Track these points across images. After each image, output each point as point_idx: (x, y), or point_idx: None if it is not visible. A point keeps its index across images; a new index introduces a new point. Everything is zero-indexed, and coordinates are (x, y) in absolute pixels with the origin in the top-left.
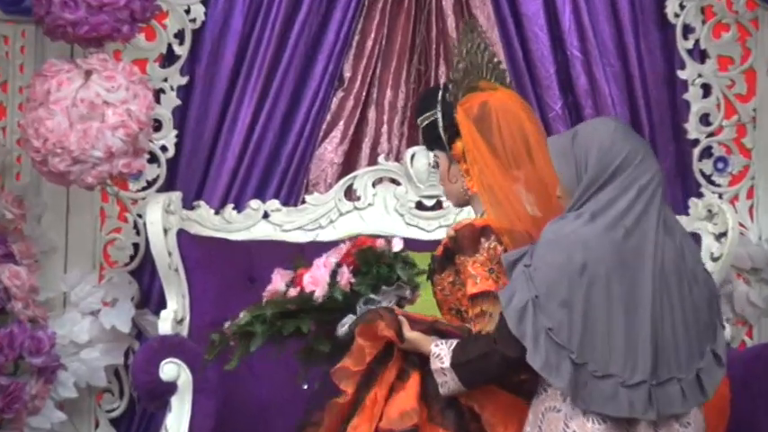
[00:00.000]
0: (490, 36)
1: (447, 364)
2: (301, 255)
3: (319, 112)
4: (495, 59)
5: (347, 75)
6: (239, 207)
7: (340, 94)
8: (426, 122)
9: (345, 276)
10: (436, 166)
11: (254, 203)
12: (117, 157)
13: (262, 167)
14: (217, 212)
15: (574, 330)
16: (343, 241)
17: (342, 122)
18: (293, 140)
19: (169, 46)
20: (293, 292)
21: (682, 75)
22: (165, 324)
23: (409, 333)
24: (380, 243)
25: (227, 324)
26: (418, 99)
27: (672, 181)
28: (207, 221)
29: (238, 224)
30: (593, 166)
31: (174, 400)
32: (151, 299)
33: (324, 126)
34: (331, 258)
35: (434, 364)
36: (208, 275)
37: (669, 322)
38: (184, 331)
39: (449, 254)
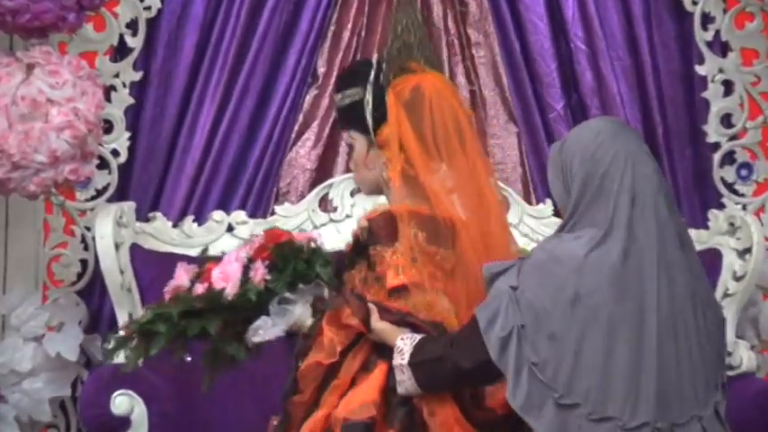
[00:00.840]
0: (483, 26)
1: (406, 361)
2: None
3: (291, 112)
4: (425, 39)
5: (321, 70)
6: (200, 219)
7: (314, 91)
8: (349, 101)
9: (260, 272)
10: (351, 147)
11: (218, 215)
12: (63, 163)
13: (226, 175)
14: (175, 225)
15: (562, 367)
16: (255, 235)
17: (316, 123)
18: (261, 144)
19: (121, 37)
20: (200, 288)
21: (700, 70)
22: None
23: (377, 323)
24: (298, 237)
25: (125, 322)
26: (342, 73)
27: (689, 190)
28: (164, 235)
29: (199, 238)
30: (577, 175)
31: None
32: (101, 322)
33: (296, 128)
34: (242, 253)
35: (395, 360)
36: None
37: (686, 353)
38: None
39: (359, 247)
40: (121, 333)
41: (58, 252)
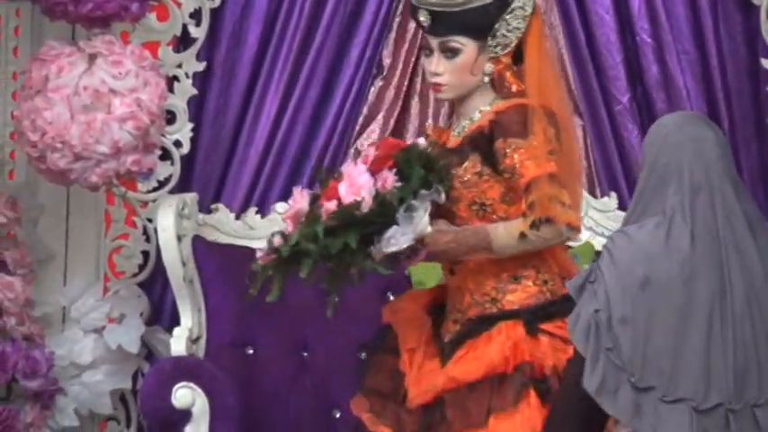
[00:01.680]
0: (549, 18)
1: None
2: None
3: (355, 103)
4: None
5: (387, 61)
6: (263, 211)
7: (379, 83)
8: (477, 4)
9: (390, 180)
10: (454, 53)
11: (281, 207)
12: (125, 154)
13: (289, 166)
14: (238, 217)
15: (636, 350)
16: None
17: (381, 116)
18: (325, 135)
19: (184, 27)
20: (331, 206)
21: (766, 64)
22: (178, 343)
23: None
24: (414, 142)
25: (261, 252)
26: None
27: (755, 183)
28: (226, 227)
29: (262, 230)
30: (645, 166)
31: (188, 430)
32: (163, 315)
33: (360, 120)
34: (360, 167)
35: None
36: (227, 289)
37: (763, 335)
38: (200, 352)
39: (479, 140)
40: (259, 261)
41: (119, 243)
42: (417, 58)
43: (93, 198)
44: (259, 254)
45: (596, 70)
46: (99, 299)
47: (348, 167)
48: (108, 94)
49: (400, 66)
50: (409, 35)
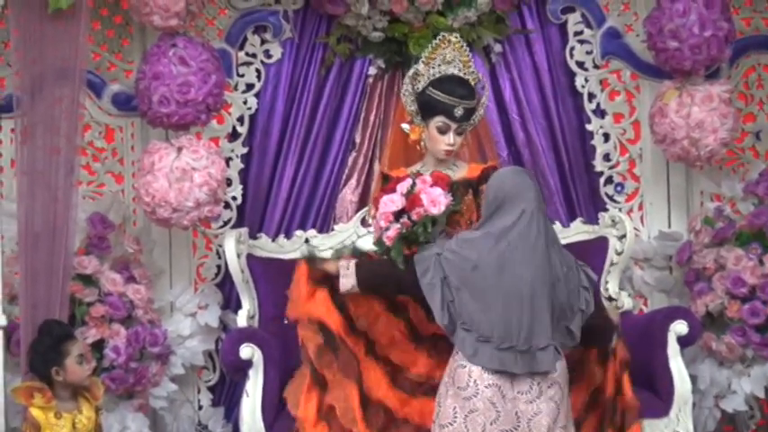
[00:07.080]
0: None
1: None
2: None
3: (340, 167)
4: None
5: (358, 140)
6: (288, 235)
7: (353, 154)
8: (481, 98)
9: (449, 198)
10: (464, 132)
11: (299, 232)
12: (203, 206)
13: (302, 207)
14: (273, 240)
15: (464, 307)
16: (412, 175)
17: (355, 174)
18: (323, 188)
19: (234, 127)
20: (422, 210)
21: (589, 127)
22: (241, 320)
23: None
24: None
25: (389, 233)
26: (470, 86)
27: (587, 201)
28: (266, 247)
29: (288, 247)
30: (488, 197)
31: (251, 372)
32: (231, 302)
33: (343, 177)
34: (439, 189)
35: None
36: (269, 285)
37: (544, 307)
38: (255, 324)
39: (473, 184)
40: (386, 242)
41: (202, 261)
42: (377, 137)
43: (185, 234)
44: (391, 233)
45: (486, 137)
46: (192, 295)
47: (425, 188)
48: (191, 170)
49: (366, 142)
50: (370, 124)
